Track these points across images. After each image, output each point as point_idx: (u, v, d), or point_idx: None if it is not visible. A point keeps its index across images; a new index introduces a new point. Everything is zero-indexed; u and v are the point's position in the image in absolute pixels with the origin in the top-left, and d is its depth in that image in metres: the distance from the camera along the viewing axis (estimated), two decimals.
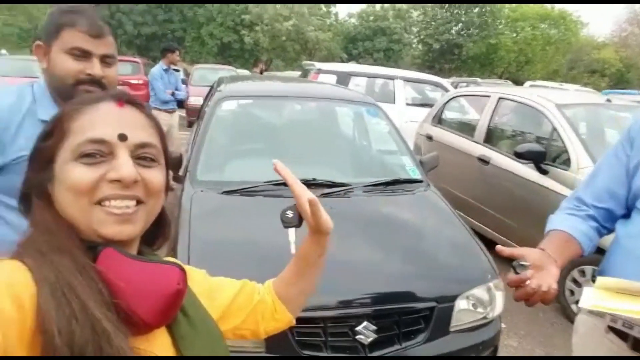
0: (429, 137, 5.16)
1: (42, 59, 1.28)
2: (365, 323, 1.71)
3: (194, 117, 8.03)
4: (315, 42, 26.41)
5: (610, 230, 1.24)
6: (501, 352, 2.62)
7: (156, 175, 0.65)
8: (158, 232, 0.74)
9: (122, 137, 0.62)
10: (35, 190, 0.64)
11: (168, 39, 25.15)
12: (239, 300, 0.83)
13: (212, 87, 3.86)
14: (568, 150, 3.45)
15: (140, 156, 0.64)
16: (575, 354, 1.30)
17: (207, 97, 3.83)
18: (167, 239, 0.76)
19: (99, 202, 0.60)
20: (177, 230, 2.00)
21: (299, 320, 1.65)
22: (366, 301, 1.76)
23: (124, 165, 0.60)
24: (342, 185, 2.38)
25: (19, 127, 1.23)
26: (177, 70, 6.11)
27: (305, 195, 0.77)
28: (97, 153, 0.61)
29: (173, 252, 1.91)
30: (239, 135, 3.00)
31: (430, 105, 6.17)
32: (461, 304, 1.89)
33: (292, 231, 0.82)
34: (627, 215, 1.21)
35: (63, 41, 1.22)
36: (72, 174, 0.60)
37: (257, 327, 0.86)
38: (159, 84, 5.60)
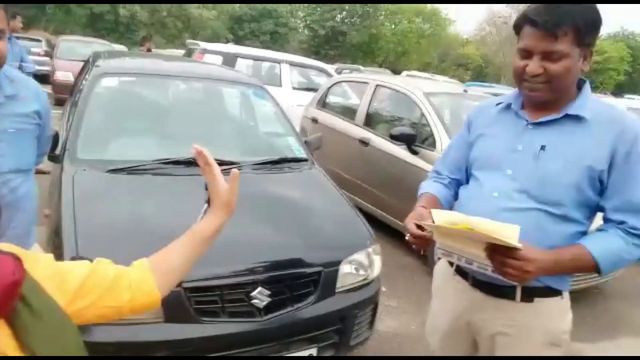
0: (314, 120, 5.40)
1: None
2: (259, 289, 1.84)
3: (63, 94, 7.25)
4: (199, 20, 25.36)
5: None
6: (383, 312, 2.96)
7: None
8: None
9: None
10: None
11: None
12: (92, 280, 0.80)
13: (87, 62, 3.60)
14: (433, 133, 3.92)
15: None
16: (434, 297, 1.61)
17: (81, 73, 3.57)
18: None
19: None
20: (60, 213, 1.90)
21: (197, 289, 1.74)
22: (259, 269, 1.88)
23: None
24: (231, 163, 2.45)
25: None
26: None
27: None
28: None
29: (57, 236, 1.82)
30: (122, 114, 2.87)
31: (315, 90, 6.40)
32: (345, 268, 2.10)
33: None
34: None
35: None
36: None
37: (118, 304, 0.83)
38: None
